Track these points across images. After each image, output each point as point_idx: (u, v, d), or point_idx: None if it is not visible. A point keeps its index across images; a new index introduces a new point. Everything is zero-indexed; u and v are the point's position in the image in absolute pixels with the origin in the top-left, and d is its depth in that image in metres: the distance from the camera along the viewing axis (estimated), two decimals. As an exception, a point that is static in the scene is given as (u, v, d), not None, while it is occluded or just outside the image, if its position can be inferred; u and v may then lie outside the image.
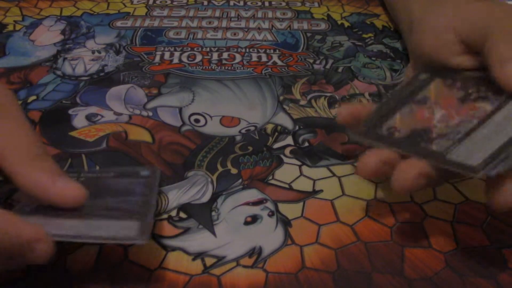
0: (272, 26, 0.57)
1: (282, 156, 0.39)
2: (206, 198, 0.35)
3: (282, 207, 0.35)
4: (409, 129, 0.32)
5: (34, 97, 0.45)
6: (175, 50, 0.52)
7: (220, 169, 0.38)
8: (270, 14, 0.60)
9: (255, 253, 0.32)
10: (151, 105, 0.44)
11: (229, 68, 0.49)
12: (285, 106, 0.44)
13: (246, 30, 0.56)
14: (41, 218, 0.28)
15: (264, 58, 0.51)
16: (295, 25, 0.57)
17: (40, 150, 0.29)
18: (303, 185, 0.37)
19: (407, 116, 0.33)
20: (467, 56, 0.35)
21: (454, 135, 0.30)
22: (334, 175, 0.38)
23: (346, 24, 0.58)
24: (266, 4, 0.62)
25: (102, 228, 0.28)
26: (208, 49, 0.52)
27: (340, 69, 0.50)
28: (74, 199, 0.28)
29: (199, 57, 0.51)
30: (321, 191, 0.36)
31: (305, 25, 0.57)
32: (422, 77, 0.36)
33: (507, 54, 0.31)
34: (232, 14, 0.60)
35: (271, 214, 0.34)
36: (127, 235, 0.28)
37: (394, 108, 0.34)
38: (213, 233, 0.33)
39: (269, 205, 0.35)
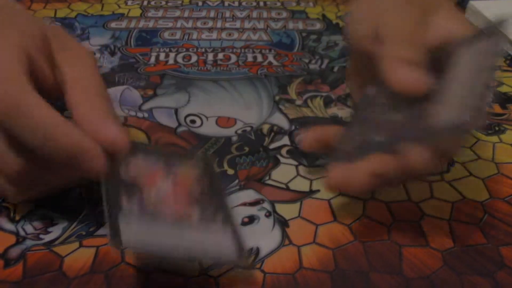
0: (267, 26, 0.57)
1: (278, 156, 0.39)
2: (202, 199, 0.35)
3: (279, 208, 0.35)
4: (384, 133, 0.32)
5: (28, 100, 0.45)
6: (170, 51, 0.52)
7: (217, 169, 0.38)
8: (265, 14, 0.60)
9: (253, 253, 0.32)
10: (146, 106, 0.44)
11: (225, 68, 0.49)
12: (281, 106, 0.44)
13: (241, 30, 0.56)
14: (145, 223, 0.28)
15: (259, 58, 0.51)
16: (290, 25, 0.57)
17: (102, 90, 0.32)
18: (300, 185, 0.37)
19: (379, 126, 0.33)
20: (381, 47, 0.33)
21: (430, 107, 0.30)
22: (330, 174, 0.38)
23: (341, 23, 0.58)
24: (261, 4, 0.62)
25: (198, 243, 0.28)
26: (203, 50, 0.52)
27: (335, 69, 0.50)
28: (117, 143, 0.29)
29: (194, 58, 0.51)
30: (318, 191, 0.36)
31: (300, 25, 0.57)
32: (370, 92, 0.35)
33: (393, 54, 0.30)
34: (227, 14, 0.60)
35: (268, 215, 0.34)
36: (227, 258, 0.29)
37: (360, 126, 0.34)
38: (210, 234, 0.33)
39: (266, 205, 0.35)
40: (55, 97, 0.32)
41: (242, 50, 0.52)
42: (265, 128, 0.42)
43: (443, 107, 0.29)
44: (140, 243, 0.27)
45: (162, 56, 0.51)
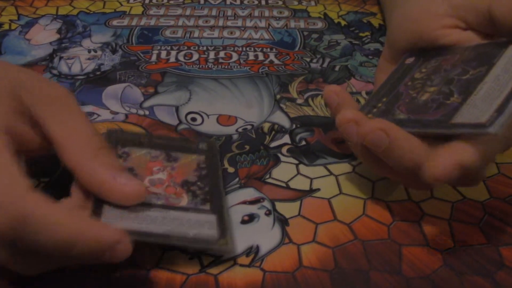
0: (269, 24, 0.57)
1: (279, 154, 0.39)
2: (203, 197, 0.35)
3: (279, 206, 0.35)
4: (405, 110, 0.32)
5: (30, 96, 0.45)
6: (172, 49, 0.52)
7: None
8: (266, 13, 0.59)
9: (252, 252, 0.32)
10: (147, 104, 0.44)
11: (226, 67, 0.49)
12: (282, 105, 0.44)
13: (243, 29, 0.56)
14: (121, 211, 0.28)
15: (261, 57, 0.51)
16: (292, 24, 0.57)
17: (102, 144, 0.29)
18: (300, 184, 0.37)
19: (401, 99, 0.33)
20: (453, 30, 0.34)
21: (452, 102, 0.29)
22: (331, 173, 0.38)
23: (343, 22, 0.57)
24: (263, 2, 0.62)
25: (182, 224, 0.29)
26: (204, 48, 0.52)
27: (337, 68, 0.50)
28: (134, 196, 0.28)
29: (195, 56, 0.51)
30: (318, 189, 0.36)
31: (301, 24, 0.57)
32: (408, 61, 0.35)
33: None
34: (229, 13, 0.59)
35: (268, 213, 0.34)
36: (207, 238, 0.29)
37: (386, 94, 0.34)
38: (210, 232, 0.33)
39: (266, 204, 0.35)
40: (44, 152, 0.30)
41: (244, 49, 0.52)
42: (266, 126, 0.42)
43: (468, 103, 0.29)
44: (120, 220, 0.28)
45: (163, 54, 0.51)
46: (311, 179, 0.37)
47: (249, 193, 0.36)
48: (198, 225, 0.30)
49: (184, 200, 0.31)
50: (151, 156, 0.33)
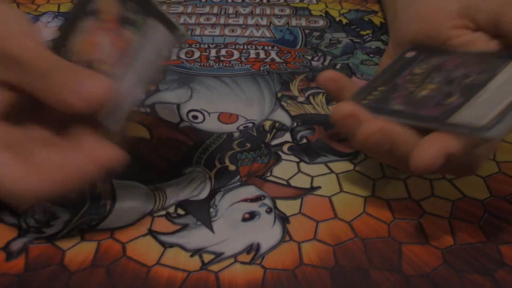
0: (270, 22, 0.57)
1: (280, 152, 0.39)
2: (204, 195, 0.35)
3: (280, 204, 0.35)
4: (402, 102, 0.31)
5: (31, 94, 0.45)
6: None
7: (218, 165, 0.38)
8: (268, 11, 0.60)
9: (253, 249, 0.32)
10: (149, 101, 0.44)
11: (227, 64, 0.49)
12: (283, 103, 0.44)
13: (244, 26, 0.56)
14: None
15: (262, 55, 0.51)
16: (293, 22, 0.57)
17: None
18: (301, 181, 0.37)
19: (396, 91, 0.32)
20: (464, 31, 0.34)
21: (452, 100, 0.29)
22: (332, 171, 0.38)
23: (344, 21, 0.57)
24: (264, 0, 0.62)
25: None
26: (206, 46, 0.52)
27: (338, 66, 0.50)
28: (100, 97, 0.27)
29: (197, 54, 0.51)
30: (319, 187, 0.36)
31: (303, 22, 0.57)
32: (409, 55, 0.35)
33: None
34: (230, 10, 0.59)
35: (269, 211, 0.34)
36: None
37: (384, 83, 0.34)
38: (211, 229, 0.33)
39: (267, 201, 0.35)
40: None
41: (245, 47, 0.52)
42: (267, 124, 0.42)
43: (468, 105, 0.28)
44: None
45: (165, 52, 0.51)
46: (312, 177, 0.37)
47: (250, 191, 0.36)
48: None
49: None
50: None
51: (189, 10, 0.59)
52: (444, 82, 0.31)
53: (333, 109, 0.31)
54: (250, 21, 0.57)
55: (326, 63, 0.50)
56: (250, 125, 0.42)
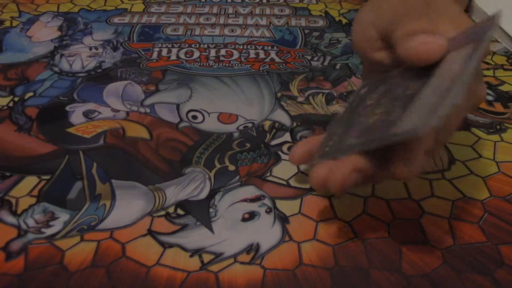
0: (270, 22, 0.57)
1: (279, 152, 0.39)
2: (203, 195, 0.35)
3: (280, 204, 0.35)
4: (358, 134, 0.32)
5: (31, 94, 0.45)
6: (173, 46, 0.52)
7: (218, 165, 0.38)
8: (268, 11, 0.60)
9: (253, 249, 0.32)
10: (148, 101, 0.44)
11: (227, 64, 0.49)
12: (282, 103, 0.44)
13: (243, 26, 0.56)
14: None
15: (262, 55, 0.51)
16: (293, 22, 0.57)
17: None
18: (301, 181, 0.37)
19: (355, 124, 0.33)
20: (387, 51, 0.33)
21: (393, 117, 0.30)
22: (331, 171, 0.38)
23: (344, 21, 0.57)
24: (264, 0, 0.62)
25: None
26: (205, 46, 0.52)
27: (338, 66, 0.50)
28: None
29: (196, 54, 0.51)
30: (319, 187, 0.36)
31: (303, 22, 0.57)
32: (363, 92, 0.35)
33: (412, 28, 0.30)
34: (230, 10, 0.59)
35: (268, 211, 0.34)
36: None
37: (342, 126, 0.34)
38: (211, 229, 0.33)
39: (267, 201, 0.35)
40: None
41: (245, 47, 0.52)
42: (267, 124, 0.42)
43: (408, 112, 0.29)
44: None
45: (164, 52, 0.51)
46: (312, 177, 0.37)
47: (250, 191, 0.36)
48: None
49: None
50: None
51: (189, 10, 0.59)
52: (390, 102, 0.32)
53: (312, 177, 0.30)
54: (249, 21, 0.57)
55: (325, 63, 0.50)
56: (250, 125, 0.42)
